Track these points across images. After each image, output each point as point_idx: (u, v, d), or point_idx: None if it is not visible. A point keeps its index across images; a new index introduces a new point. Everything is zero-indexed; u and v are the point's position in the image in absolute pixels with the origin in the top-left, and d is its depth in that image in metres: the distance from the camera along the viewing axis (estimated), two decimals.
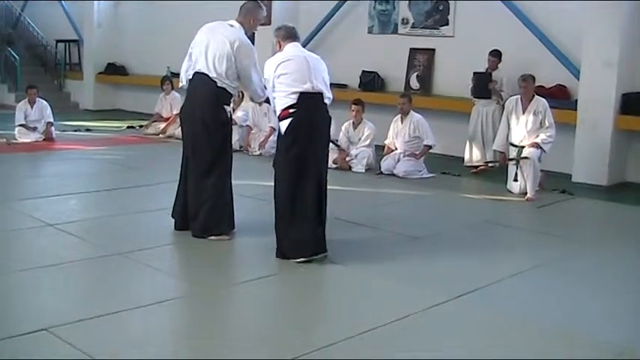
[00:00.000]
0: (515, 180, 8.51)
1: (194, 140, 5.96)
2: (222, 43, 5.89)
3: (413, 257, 5.82)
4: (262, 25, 6.32)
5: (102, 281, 5.03)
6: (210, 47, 5.90)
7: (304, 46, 11.98)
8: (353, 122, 10.04)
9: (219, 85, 5.90)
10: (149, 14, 16.58)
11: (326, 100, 5.75)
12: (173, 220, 6.25)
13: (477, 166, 9.97)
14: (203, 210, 5.93)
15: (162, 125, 12.56)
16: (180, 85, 6.32)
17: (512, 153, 8.63)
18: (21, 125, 11.49)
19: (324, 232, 5.66)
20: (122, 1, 17.26)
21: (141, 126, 13.44)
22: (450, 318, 4.54)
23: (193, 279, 5.18)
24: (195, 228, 6.00)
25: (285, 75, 5.62)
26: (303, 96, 5.56)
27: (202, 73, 5.90)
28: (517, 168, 8.49)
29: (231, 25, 6.02)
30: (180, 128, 6.33)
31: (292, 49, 5.80)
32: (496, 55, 10.04)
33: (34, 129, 11.55)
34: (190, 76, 6.01)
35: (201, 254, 5.67)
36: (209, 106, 5.91)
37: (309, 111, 5.59)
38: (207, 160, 5.93)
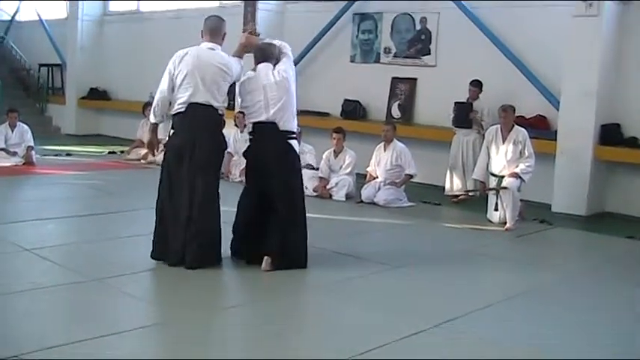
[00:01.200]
0: (496, 209, 8.52)
1: (197, 171, 5.78)
2: (219, 71, 5.83)
3: (392, 286, 5.80)
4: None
5: (77, 307, 4.97)
6: (207, 77, 5.78)
7: None
8: (334, 150, 10.06)
9: (220, 112, 5.89)
10: (133, 39, 16.61)
11: (284, 128, 5.93)
12: (151, 256, 6.00)
13: (457, 196, 9.99)
14: (210, 238, 5.88)
15: (144, 151, 12.47)
16: (155, 120, 6.08)
17: (492, 183, 8.66)
18: (1, 149, 11.42)
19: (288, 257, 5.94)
20: (107, 22, 17.28)
21: (122, 151, 13.40)
22: (429, 346, 4.50)
23: (171, 305, 5.12)
24: (195, 253, 5.82)
25: (246, 107, 6.10)
26: (256, 126, 6.01)
27: (204, 105, 5.79)
28: (497, 198, 8.50)
29: (212, 49, 5.95)
30: (163, 155, 6.10)
31: (261, 70, 6.04)
32: (477, 85, 10.11)
33: (14, 153, 11.47)
34: (183, 109, 5.81)
35: (179, 280, 5.61)
36: (215, 136, 5.89)
37: (260, 140, 6.01)
38: (213, 188, 5.88)
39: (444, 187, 10.27)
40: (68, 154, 13.11)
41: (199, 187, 5.78)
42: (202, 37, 6.05)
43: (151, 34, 15.96)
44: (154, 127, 6.18)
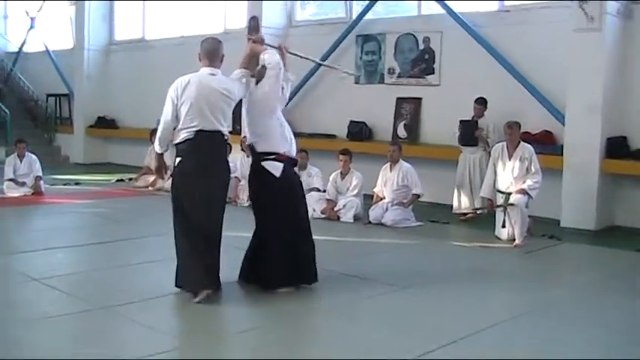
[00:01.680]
0: (503, 226, 8.51)
1: (209, 199, 5.71)
2: (223, 96, 5.77)
3: (400, 306, 5.80)
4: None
5: (86, 335, 4.98)
6: (211, 105, 5.71)
7: (292, 97, 12.08)
8: (341, 172, 10.08)
9: (226, 138, 5.87)
10: (138, 67, 16.75)
11: (261, 150, 6.10)
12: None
13: (465, 214, 10.00)
14: (218, 259, 5.84)
15: (152, 178, 12.56)
16: (160, 150, 6.00)
17: (500, 200, 8.66)
18: (10, 179, 11.51)
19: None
20: (113, 52, 17.45)
21: (130, 179, 13.52)
22: None
23: (181, 332, 5.15)
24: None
25: None
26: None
27: (212, 131, 5.73)
28: (505, 215, 8.50)
29: (212, 74, 5.86)
30: (171, 183, 6.00)
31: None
32: (482, 102, 10.14)
33: (23, 183, 11.56)
34: (190, 136, 5.71)
35: (188, 307, 5.61)
36: (224, 163, 5.89)
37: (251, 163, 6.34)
38: (221, 217, 5.82)
39: (451, 206, 10.27)
40: (77, 183, 13.21)
41: (210, 210, 5.76)
42: (200, 60, 5.97)
43: (156, 62, 16.10)
44: (161, 155, 6.18)
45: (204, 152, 5.77)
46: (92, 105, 17.34)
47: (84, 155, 17.33)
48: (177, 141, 5.85)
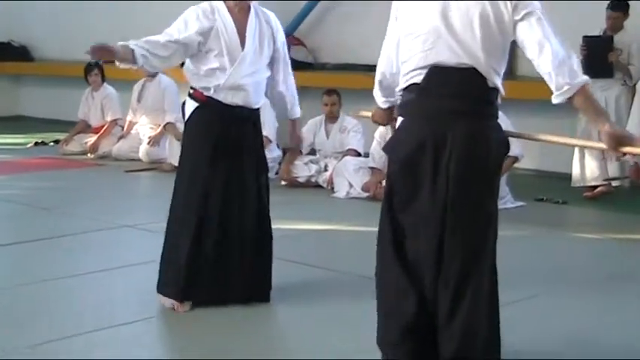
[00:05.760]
0: None
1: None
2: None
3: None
4: None
5: None
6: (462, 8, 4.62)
7: (310, 9, 11.94)
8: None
9: (490, 85, 4.85)
10: None
11: None
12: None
13: (593, 187, 9.98)
14: None
15: (91, 139, 12.63)
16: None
17: None
18: None
19: None
20: None
21: (56, 141, 13.64)
22: None
23: None
24: None
25: None
26: None
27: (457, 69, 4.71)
28: None
29: None
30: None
31: None
32: (619, 8, 9.99)
33: None
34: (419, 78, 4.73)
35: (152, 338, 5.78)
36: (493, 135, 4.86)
37: None
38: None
39: (570, 175, 10.24)
40: None
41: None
42: None
43: None
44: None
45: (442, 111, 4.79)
46: None
47: None
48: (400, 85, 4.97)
